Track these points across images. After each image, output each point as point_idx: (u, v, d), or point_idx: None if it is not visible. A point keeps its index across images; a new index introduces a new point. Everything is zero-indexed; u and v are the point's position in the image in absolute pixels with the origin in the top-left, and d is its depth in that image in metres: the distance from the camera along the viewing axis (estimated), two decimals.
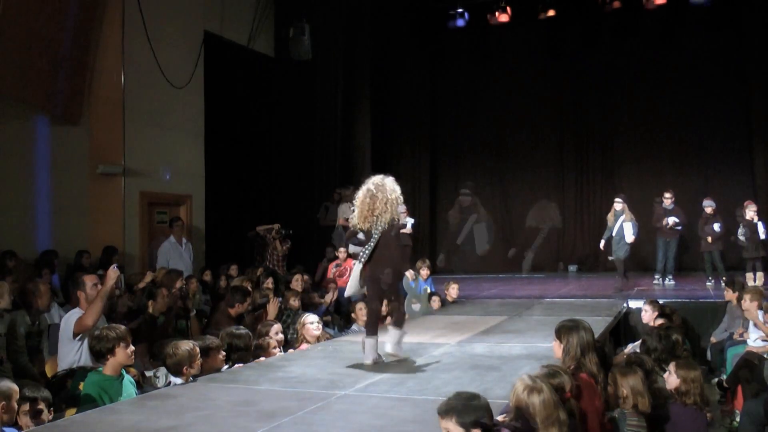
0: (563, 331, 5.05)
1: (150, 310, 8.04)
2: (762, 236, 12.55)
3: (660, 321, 8.58)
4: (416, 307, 11.15)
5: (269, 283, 10.53)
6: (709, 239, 13.25)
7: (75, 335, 6.28)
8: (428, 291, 11.58)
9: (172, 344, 5.87)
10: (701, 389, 5.30)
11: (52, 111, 11.47)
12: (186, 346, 5.76)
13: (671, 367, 5.42)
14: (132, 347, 5.54)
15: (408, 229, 13.89)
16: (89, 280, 6.74)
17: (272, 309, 9.01)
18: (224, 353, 6.31)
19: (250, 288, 9.25)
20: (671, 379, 5.33)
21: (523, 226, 19.01)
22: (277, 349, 7.32)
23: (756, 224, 12.60)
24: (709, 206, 13.42)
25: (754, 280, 12.07)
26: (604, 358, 5.83)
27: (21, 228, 10.93)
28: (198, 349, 5.80)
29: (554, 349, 5.16)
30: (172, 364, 5.67)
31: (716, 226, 13.19)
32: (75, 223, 11.80)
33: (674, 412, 5.21)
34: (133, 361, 5.82)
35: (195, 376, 5.79)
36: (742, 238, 12.75)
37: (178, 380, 5.67)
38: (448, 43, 19.27)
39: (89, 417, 4.79)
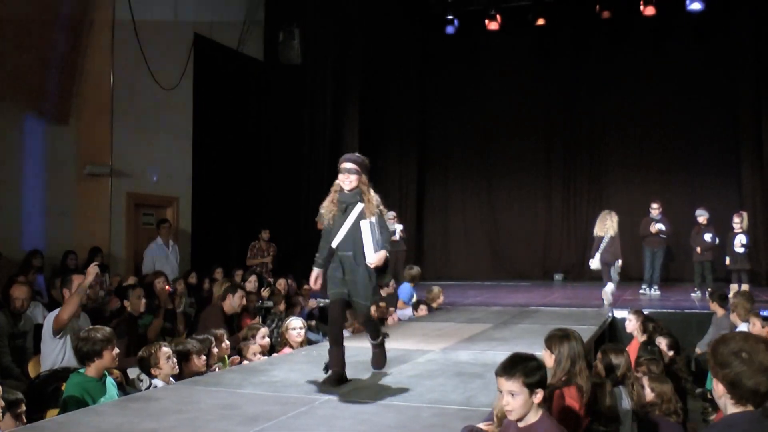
0: (554, 340, 4.85)
1: (128, 308, 7.99)
2: (739, 249, 12.61)
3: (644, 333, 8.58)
4: (406, 312, 11.14)
5: (281, 285, 10.84)
6: (699, 249, 13.27)
7: (55, 333, 6.32)
8: (415, 298, 11.58)
9: (146, 346, 5.89)
10: (673, 401, 5.41)
11: (41, 110, 11.44)
12: (164, 347, 5.76)
13: (645, 381, 5.54)
14: (117, 350, 5.53)
15: (395, 237, 13.96)
16: (77, 280, 6.85)
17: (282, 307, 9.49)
18: (204, 357, 6.29)
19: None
20: (647, 391, 5.49)
21: (509, 232, 19.14)
22: (261, 354, 7.32)
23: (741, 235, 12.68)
24: (702, 216, 13.42)
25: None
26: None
27: (7, 227, 10.87)
28: (172, 350, 5.80)
29: (544, 358, 5.00)
30: (147, 366, 5.68)
31: (708, 237, 13.20)
32: (62, 224, 11.74)
33: (653, 422, 5.34)
34: (117, 363, 5.80)
35: (176, 378, 5.77)
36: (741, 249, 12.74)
37: (161, 383, 5.65)
38: (439, 49, 19.36)
39: (70, 418, 4.76)
